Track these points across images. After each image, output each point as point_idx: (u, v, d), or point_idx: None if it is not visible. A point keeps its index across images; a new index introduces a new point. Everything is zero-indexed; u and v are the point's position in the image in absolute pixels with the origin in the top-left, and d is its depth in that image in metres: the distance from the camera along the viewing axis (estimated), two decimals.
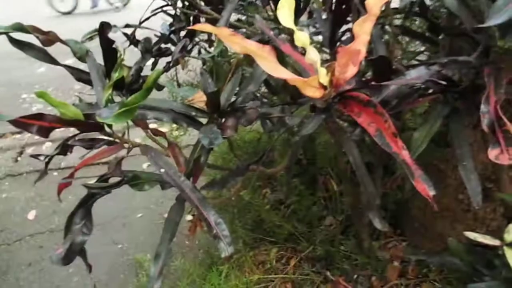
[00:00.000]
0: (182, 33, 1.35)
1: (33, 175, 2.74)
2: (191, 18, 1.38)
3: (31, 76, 4.24)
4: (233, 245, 1.73)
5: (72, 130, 0.88)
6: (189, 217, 2.09)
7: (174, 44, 1.37)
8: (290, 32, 0.87)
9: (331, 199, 1.82)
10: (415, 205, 1.64)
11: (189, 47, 1.37)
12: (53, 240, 2.21)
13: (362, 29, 0.82)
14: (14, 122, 0.78)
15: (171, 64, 1.06)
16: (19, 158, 2.95)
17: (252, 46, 0.70)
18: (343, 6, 1.17)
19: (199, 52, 1.49)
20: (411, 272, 1.58)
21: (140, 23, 1.33)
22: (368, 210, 0.96)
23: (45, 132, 0.82)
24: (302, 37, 0.82)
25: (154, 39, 1.38)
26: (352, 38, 0.85)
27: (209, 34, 1.45)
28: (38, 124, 0.81)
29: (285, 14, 0.81)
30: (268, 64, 0.73)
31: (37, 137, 3.19)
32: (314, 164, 1.86)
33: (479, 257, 1.12)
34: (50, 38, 1.00)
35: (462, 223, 1.49)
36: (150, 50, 0.98)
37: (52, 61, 1.02)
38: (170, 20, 1.56)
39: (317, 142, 1.84)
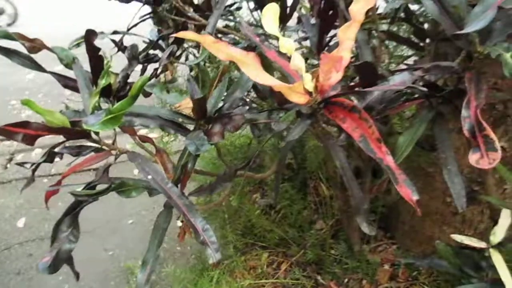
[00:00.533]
0: (171, 40, 1.35)
1: (22, 182, 2.71)
2: (179, 25, 1.38)
3: (20, 82, 4.20)
4: (224, 250, 1.72)
5: (61, 137, 0.88)
6: (179, 223, 2.09)
7: (163, 50, 1.37)
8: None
9: (322, 203, 1.83)
10: (404, 209, 1.65)
11: (178, 53, 1.37)
12: (42, 248, 2.18)
13: (346, 35, 0.83)
14: (2, 130, 0.78)
15: (159, 71, 1.06)
16: (8, 165, 2.91)
17: (236, 53, 0.70)
18: (330, 12, 1.18)
19: (187, 58, 1.49)
20: (401, 275, 1.59)
21: (128, 29, 1.33)
22: (356, 215, 0.96)
23: (31, 140, 0.82)
24: (286, 44, 0.82)
25: (143, 46, 1.39)
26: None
27: None
28: (24, 132, 0.80)
29: (270, 20, 0.82)
30: (253, 71, 0.73)
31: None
32: (305, 168, 1.87)
33: (466, 259, 1.13)
34: (36, 45, 1.00)
35: (450, 226, 1.51)
36: (136, 56, 0.98)
37: (39, 68, 1.02)
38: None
39: (307, 146, 1.85)
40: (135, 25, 1.39)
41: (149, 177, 0.86)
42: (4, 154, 3.02)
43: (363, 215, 0.97)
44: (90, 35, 0.91)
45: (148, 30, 1.55)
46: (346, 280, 1.60)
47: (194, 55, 1.39)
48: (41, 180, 2.69)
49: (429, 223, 1.55)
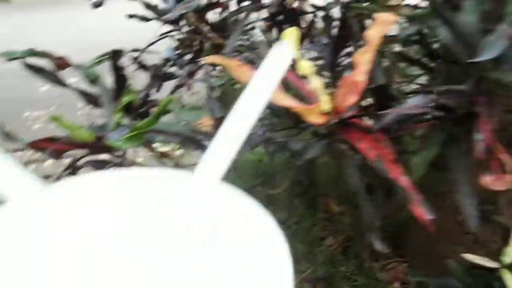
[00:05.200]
0: (186, 57, 1.40)
1: None
2: (196, 43, 1.42)
3: (34, 94, 4.27)
4: None
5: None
6: None
7: (180, 67, 1.41)
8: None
9: (331, 220, 1.84)
10: (416, 228, 1.65)
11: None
12: None
13: (363, 59, 0.86)
14: (32, 145, 0.82)
15: (177, 89, 1.10)
16: None
17: None
18: (343, 34, 1.22)
19: (205, 77, 1.52)
20: None
21: (146, 47, 1.38)
22: (368, 232, 0.98)
23: (57, 154, 0.85)
24: (305, 66, 0.86)
25: (158, 63, 1.43)
26: (352, 64, 0.90)
27: None
28: (52, 147, 0.84)
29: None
30: (273, 93, 0.76)
31: (39, 154, 3.16)
32: (315, 185, 1.88)
33: (478, 279, 1.14)
34: (62, 63, 1.04)
35: (462, 245, 1.51)
36: (160, 76, 1.02)
37: (64, 85, 1.06)
38: (175, 44, 1.61)
39: (317, 163, 1.87)
40: (153, 43, 1.44)
41: None
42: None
43: (376, 233, 0.99)
44: (116, 55, 0.95)
45: (164, 47, 1.59)
46: None
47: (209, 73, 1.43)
48: None
49: (440, 243, 1.56)
